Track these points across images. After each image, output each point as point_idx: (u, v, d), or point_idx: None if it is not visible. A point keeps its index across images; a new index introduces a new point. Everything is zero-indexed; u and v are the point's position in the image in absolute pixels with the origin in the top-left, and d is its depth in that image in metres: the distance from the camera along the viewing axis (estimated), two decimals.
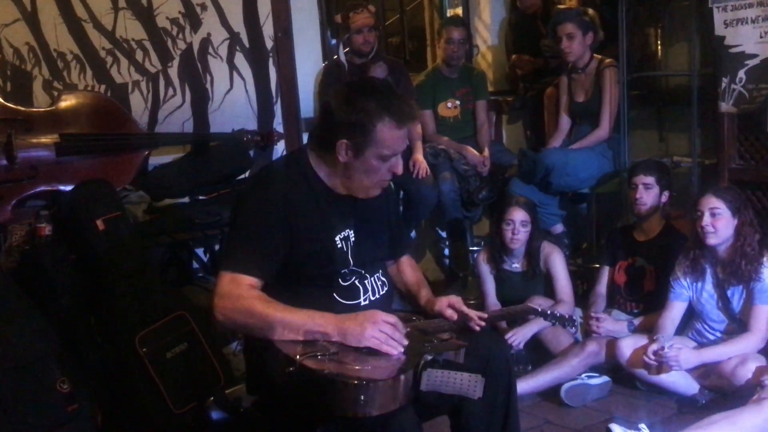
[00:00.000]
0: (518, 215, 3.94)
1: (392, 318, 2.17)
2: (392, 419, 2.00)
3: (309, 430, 2.10)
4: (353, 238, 2.35)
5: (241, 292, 2.17)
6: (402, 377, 2.01)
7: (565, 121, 4.69)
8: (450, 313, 2.38)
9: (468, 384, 2.05)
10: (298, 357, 2.04)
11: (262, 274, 2.21)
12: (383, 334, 2.11)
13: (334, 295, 2.31)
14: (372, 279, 2.40)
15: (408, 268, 2.63)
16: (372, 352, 2.10)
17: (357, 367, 2.02)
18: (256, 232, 2.23)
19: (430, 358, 2.08)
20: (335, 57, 5.10)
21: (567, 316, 2.91)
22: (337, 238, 2.31)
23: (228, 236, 2.34)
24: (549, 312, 2.99)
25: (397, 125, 2.21)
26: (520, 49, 5.55)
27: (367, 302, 2.36)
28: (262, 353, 2.19)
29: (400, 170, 2.31)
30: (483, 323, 2.38)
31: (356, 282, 2.36)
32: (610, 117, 4.43)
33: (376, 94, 2.24)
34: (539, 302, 3.87)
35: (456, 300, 2.41)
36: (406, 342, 2.14)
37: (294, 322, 2.13)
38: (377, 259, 2.46)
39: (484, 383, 2.07)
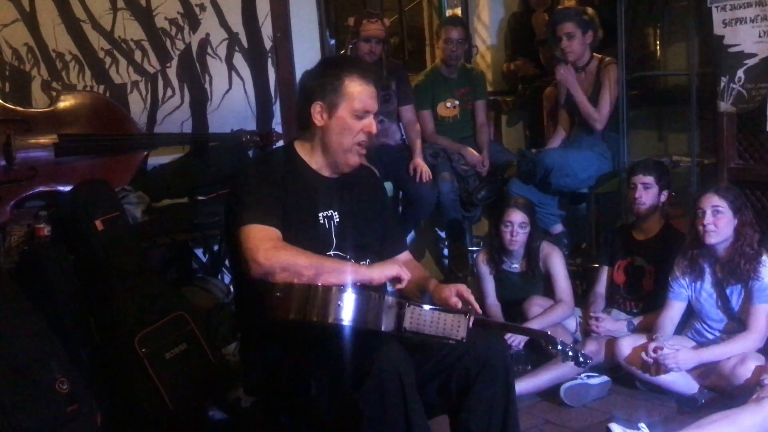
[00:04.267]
0: (517, 217, 3.94)
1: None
2: (381, 352, 2.06)
3: (305, 420, 2.11)
4: (337, 219, 2.42)
5: (276, 242, 2.24)
6: (385, 297, 2.10)
7: (564, 121, 4.69)
8: (455, 300, 2.36)
9: (452, 324, 2.10)
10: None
11: (279, 226, 2.30)
12: (404, 271, 2.27)
13: None
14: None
15: (409, 265, 2.58)
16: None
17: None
18: (266, 190, 2.34)
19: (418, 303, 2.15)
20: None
21: (582, 355, 2.51)
22: (320, 215, 2.40)
23: (238, 200, 2.34)
24: (564, 345, 2.41)
25: (364, 80, 2.38)
26: (519, 51, 5.57)
27: None
28: (259, 347, 2.20)
29: (374, 129, 2.42)
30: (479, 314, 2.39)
31: None
32: (609, 107, 4.42)
33: (342, 58, 2.46)
34: (539, 302, 3.88)
35: (464, 289, 2.39)
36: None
37: (341, 267, 2.24)
38: (364, 245, 2.48)
39: (469, 323, 2.11)
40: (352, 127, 2.38)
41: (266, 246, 2.21)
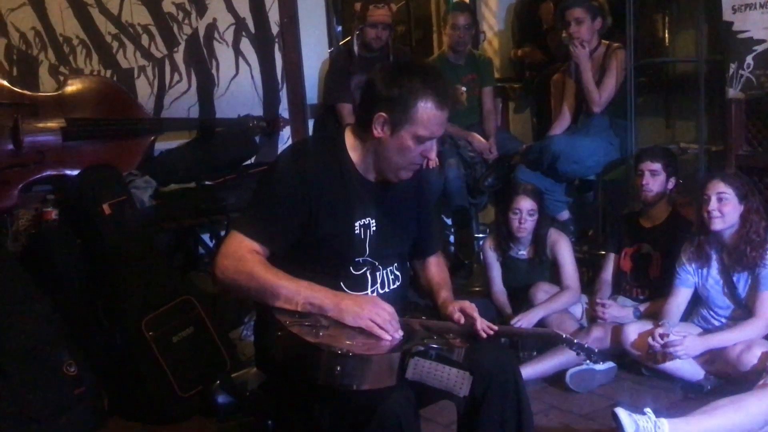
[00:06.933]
0: (525, 204, 3.93)
1: (390, 308, 2.14)
2: (385, 398, 1.99)
3: (311, 412, 2.10)
4: (374, 228, 2.30)
5: (244, 255, 2.16)
6: (384, 357, 1.99)
7: (570, 108, 4.67)
8: (458, 316, 2.32)
9: (455, 380, 2.03)
10: (287, 322, 2.05)
11: (270, 243, 2.20)
12: (380, 318, 2.10)
13: (341, 284, 2.27)
14: (385, 272, 2.36)
15: (434, 267, 2.58)
16: (364, 333, 2.08)
17: (347, 342, 2.00)
18: (275, 202, 2.22)
19: (422, 348, 2.05)
20: (341, 43, 5.10)
21: (594, 349, 2.57)
22: (356, 224, 2.28)
23: (250, 198, 2.33)
24: (575, 341, 2.56)
25: (439, 106, 2.19)
26: (526, 37, 5.55)
27: (374, 294, 2.31)
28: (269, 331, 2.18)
29: (433, 155, 2.29)
30: (490, 332, 2.30)
31: (367, 273, 2.32)
32: (610, 91, 4.41)
33: (422, 72, 2.23)
34: (545, 289, 3.88)
35: (468, 305, 2.33)
36: (401, 332, 2.12)
37: (293, 292, 2.12)
38: (396, 253, 2.41)
39: (472, 381, 2.03)
40: (410, 150, 2.22)
41: (227, 261, 2.17)
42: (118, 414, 3.40)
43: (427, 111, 2.18)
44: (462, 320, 2.31)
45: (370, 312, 2.11)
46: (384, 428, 1.97)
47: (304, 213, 2.21)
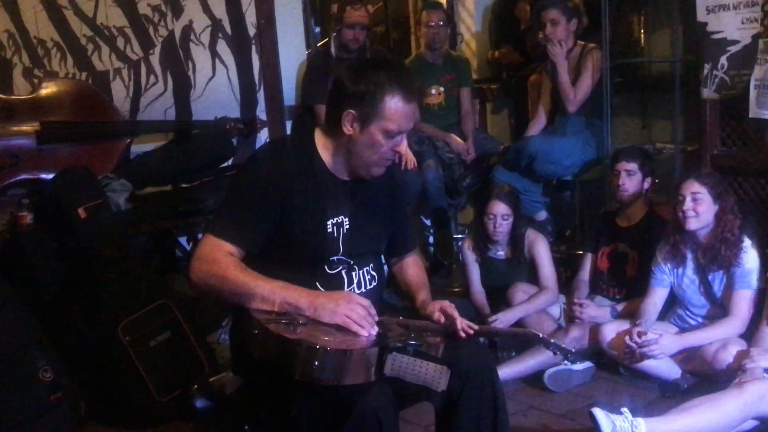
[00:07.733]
0: (499, 209, 3.93)
1: (366, 302, 2.15)
2: (364, 394, 1.99)
3: (288, 413, 2.09)
4: (347, 226, 2.31)
5: (218, 257, 2.17)
6: (361, 352, 2.00)
7: (546, 108, 4.68)
8: (438, 316, 2.32)
9: (433, 374, 2.04)
10: (264, 320, 2.06)
11: (244, 244, 2.21)
12: (355, 313, 2.11)
13: (317, 284, 2.27)
14: (361, 272, 2.36)
15: (412, 267, 2.59)
16: (342, 330, 2.09)
17: (324, 338, 2.01)
18: (247, 202, 2.23)
19: (399, 344, 2.06)
20: (319, 44, 5.09)
21: (571, 350, 2.54)
22: (328, 223, 2.28)
23: (222, 200, 2.34)
24: (552, 342, 2.54)
25: (406, 99, 2.20)
26: (503, 38, 5.56)
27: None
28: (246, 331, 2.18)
29: (403, 148, 2.31)
30: (470, 331, 2.30)
31: (342, 272, 2.33)
32: (585, 91, 4.42)
33: (388, 67, 2.25)
34: (524, 289, 3.89)
35: (448, 305, 2.35)
36: (377, 329, 2.12)
37: (268, 292, 2.13)
38: (370, 251, 2.42)
39: (450, 375, 2.04)
40: (380, 145, 2.23)
41: (201, 264, 2.18)
42: (95, 419, 3.37)
43: (394, 105, 2.19)
44: (442, 320, 2.31)
45: (346, 308, 2.11)
46: (363, 424, 1.98)
47: (276, 212, 2.22)
